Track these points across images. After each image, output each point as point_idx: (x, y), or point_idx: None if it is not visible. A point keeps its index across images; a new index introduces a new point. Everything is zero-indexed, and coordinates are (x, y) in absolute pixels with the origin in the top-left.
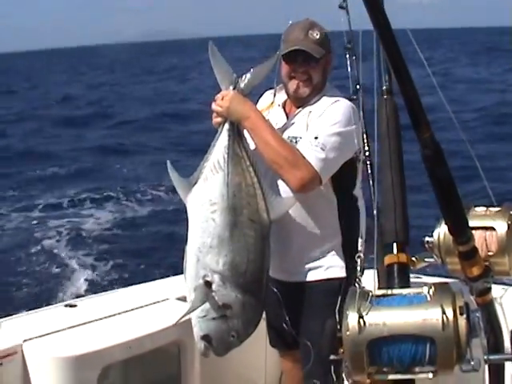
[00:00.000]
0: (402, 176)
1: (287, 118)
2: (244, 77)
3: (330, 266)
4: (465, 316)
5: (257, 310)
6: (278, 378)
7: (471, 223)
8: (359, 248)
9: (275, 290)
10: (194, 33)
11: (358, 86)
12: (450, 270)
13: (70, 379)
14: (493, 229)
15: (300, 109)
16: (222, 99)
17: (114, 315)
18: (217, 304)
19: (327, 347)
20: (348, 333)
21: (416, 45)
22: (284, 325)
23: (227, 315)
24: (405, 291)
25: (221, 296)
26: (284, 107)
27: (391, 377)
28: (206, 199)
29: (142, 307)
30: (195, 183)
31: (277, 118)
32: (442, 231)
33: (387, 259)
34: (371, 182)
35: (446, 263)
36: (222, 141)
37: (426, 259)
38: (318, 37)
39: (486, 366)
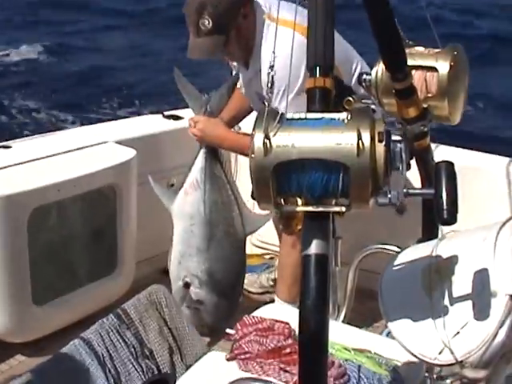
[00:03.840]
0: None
1: (247, 70)
2: (212, 99)
3: None
4: (384, 143)
5: (229, 310)
6: None
7: (411, 62)
8: None
9: None
10: None
11: None
12: (386, 111)
13: None
14: (434, 69)
15: (251, 62)
16: (195, 126)
17: (50, 156)
18: (192, 299)
19: None
20: (253, 155)
21: None
22: None
23: (200, 309)
24: (321, 115)
25: (197, 294)
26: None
27: (300, 208)
28: (186, 212)
29: (79, 149)
30: (178, 193)
31: (241, 71)
32: (380, 69)
33: (308, 82)
34: None
35: (382, 104)
36: (199, 162)
37: (363, 100)
38: (209, 25)
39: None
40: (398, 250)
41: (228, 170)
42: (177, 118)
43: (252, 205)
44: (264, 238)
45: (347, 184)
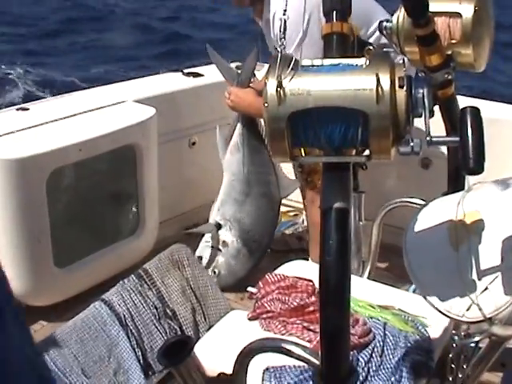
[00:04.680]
0: None
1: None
2: (241, 71)
3: None
4: (405, 89)
5: (245, 266)
6: None
7: (433, 7)
8: None
9: None
10: None
11: None
12: (409, 60)
13: (17, 182)
14: (458, 14)
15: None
16: (229, 97)
17: (68, 117)
18: (218, 239)
19: None
20: (266, 105)
21: None
22: None
23: (221, 251)
24: (338, 61)
25: (224, 235)
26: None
27: (318, 159)
28: (230, 168)
29: (97, 109)
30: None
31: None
32: (401, 15)
33: (325, 28)
34: None
35: (404, 52)
36: (238, 128)
37: (384, 49)
38: None
39: None
40: (423, 203)
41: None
42: (197, 75)
43: (287, 170)
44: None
45: (367, 133)
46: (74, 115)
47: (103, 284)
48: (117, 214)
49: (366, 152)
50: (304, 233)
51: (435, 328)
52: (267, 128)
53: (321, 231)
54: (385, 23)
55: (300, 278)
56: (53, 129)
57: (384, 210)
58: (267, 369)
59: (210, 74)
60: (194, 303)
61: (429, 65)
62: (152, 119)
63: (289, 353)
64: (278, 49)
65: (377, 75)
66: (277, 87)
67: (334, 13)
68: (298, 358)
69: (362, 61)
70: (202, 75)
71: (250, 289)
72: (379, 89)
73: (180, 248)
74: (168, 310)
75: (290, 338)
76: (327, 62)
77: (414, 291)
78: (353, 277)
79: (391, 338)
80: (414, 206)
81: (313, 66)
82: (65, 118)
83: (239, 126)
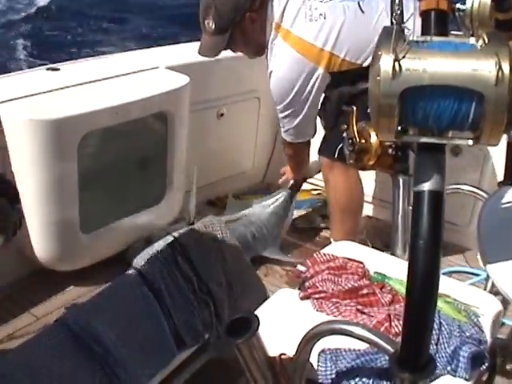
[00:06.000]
0: None
1: None
2: None
3: None
4: None
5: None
6: (266, 162)
7: None
8: None
9: None
10: None
11: None
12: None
13: (48, 144)
14: None
15: None
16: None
17: (100, 80)
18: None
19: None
20: (379, 78)
21: None
22: None
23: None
24: (447, 38)
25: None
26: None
27: (424, 139)
28: None
29: (129, 74)
30: None
31: None
32: None
33: (423, 4)
34: None
35: (477, 36)
36: None
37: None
38: (212, 26)
39: None
40: (476, 189)
41: None
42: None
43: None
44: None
45: (479, 115)
46: (106, 79)
47: (129, 250)
48: (144, 181)
49: (470, 135)
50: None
51: (487, 318)
52: (375, 103)
53: (413, 214)
54: (458, 5)
55: (350, 259)
56: (85, 91)
57: None
58: (322, 351)
59: None
60: (228, 281)
61: None
62: (185, 87)
63: (361, 337)
64: (394, 18)
65: (497, 57)
66: (394, 61)
67: None
68: (371, 342)
69: (473, 40)
70: None
71: (299, 267)
72: (500, 71)
73: (213, 221)
74: (202, 285)
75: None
76: (437, 39)
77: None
78: (396, 259)
79: (446, 326)
80: (464, 192)
81: (424, 41)
82: (97, 80)
83: None
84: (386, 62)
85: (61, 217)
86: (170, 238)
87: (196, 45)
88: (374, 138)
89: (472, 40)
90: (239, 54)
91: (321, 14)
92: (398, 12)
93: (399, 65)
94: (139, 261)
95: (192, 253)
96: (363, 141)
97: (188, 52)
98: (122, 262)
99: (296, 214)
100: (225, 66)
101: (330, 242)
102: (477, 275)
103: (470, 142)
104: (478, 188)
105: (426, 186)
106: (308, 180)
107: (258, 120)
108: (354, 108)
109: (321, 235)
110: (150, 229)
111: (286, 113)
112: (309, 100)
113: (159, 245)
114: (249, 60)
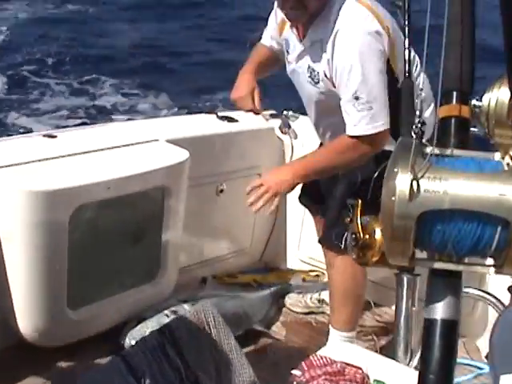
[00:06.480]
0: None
1: (300, 41)
2: None
3: None
4: None
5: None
6: (265, 240)
7: None
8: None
9: None
10: None
11: None
12: (497, 144)
13: (39, 216)
14: None
15: (309, 31)
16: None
17: (97, 151)
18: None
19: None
20: (394, 198)
21: None
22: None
23: None
24: (470, 153)
25: None
26: (296, 27)
27: (440, 266)
28: None
29: (127, 145)
30: None
31: (292, 42)
32: (496, 95)
33: (443, 110)
34: None
35: (492, 135)
36: None
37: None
38: None
39: None
40: (484, 294)
41: None
42: (231, 119)
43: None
44: (313, 255)
45: (503, 242)
46: (104, 149)
47: (117, 328)
48: (138, 258)
49: (491, 261)
50: (325, 295)
51: None
52: (388, 224)
53: (423, 342)
54: (474, 101)
55: (348, 364)
56: (81, 161)
57: None
58: None
59: (244, 120)
60: (218, 369)
61: None
62: (185, 163)
63: None
64: (413, 131)
65: None
66: (412, 181)
67: (455, 93)
68: None
69: (498, 156)
70: (237, 121)
71: (294, 372)
72: None
73: (206, 307)
74: (190, 374)
75: None
76: (457, 152)
77: None
78: (398, 365)
79: None
80: (474, 296)
81: (444, 156)
82: (94, 151)
83: None
84: (402, 182)
85: (47, 291)
86: (161, 320)
87: (197, 117)
88: (378, 234)
89: (497, 156)
90: (242, 128)
91: None
92: (419, 125)
93: (417, 185)
94: (128, 342)
95: (181, 340)
96: (367, 236)
97: (189, 125)
98: (110, 340)
99: (291, 298)
100: (226, 141)
101: (328, 329)
102: (480, 368)
103: (492, 271)
104: (485, 292)
105: (439, 314)
106: (308, 260)
107: None
108: (359, 201)
109: (317, 319)
110: (142, 307)
111: (379, 78)
112: None
113: (149, 328)
114: (251, 135)
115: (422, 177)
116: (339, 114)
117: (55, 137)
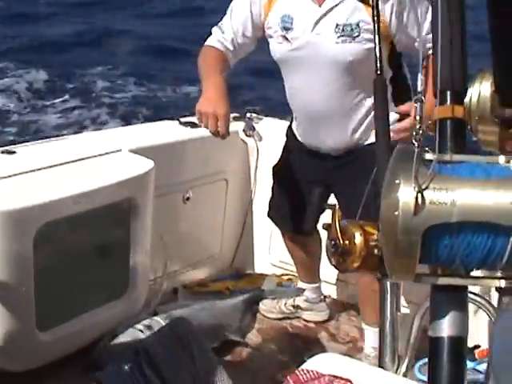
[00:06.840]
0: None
1: (319, 5)
2: None
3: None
4: None
5: None
6: (235, 246)
7: None
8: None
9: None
10: None
11: None
12: (481, 140)
13: (1, 236)
14: None
15: None
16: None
17: (58, 165)
18: None
19: None
20: (397, 213)
21: None
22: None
23: None
24: (472, 157)
25: None
26: None
27: (447, 281)
28: None
29: (90, 158)
30: None
31: (300, 12)
32: (478, 90)
33: (438, 111)
34: None
35: (475, 131)
36: None
37: None
38: None
39: None
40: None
41: None
42: (194, 125)
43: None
44: (284, 258)
45: None
46: (67, 163)
47: (89, 347)
48: (107, 273)
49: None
50: (300, 300)
51: None
52: (390, 241)
53: (429, 362)
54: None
55: (336, 377)
56: (43, 177)
57: (427, 303)
58: None
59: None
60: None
61: (509, 149)
62: (150, 172)
63: None
64: (414, 138)
65: None
66: (416, 194)
67: (449, 93)
68: None
69: (502, 160)
70: (200, 126)
71: None
72: None
73: (182, 322)
74: None
75: None
76: (458, 157)
77: None
78: (386, 374)
79: None
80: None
81: (446, 162)
82: (56, 165)
83: None
84: (406, 194)
85: (15, 315)
86: (135, 334)
87: (160, 124)
88: (358, 239)
89: (501, 160)
90: (205, 133)
91: None
92: (420, 131)
93: (422, 197)
94: (102, 358)
95: (158, 357)
96: (347, 242)
97: (152, 133)
98: (83, 359)
99: (265, 304)
100: (190, 147)
101: (307, 335)
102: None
103: (503, 284)
104: (480, 296)
105: (446, 332)
106: (281, 265)
107: (226, 203)
108: (337, 206)
109: (293, 324)
110: (114, 323)
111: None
112: None
113: (123, 344)
114: (215, 140)
115: (427, 188)
116: (369, 87)
117: (14, 152)
